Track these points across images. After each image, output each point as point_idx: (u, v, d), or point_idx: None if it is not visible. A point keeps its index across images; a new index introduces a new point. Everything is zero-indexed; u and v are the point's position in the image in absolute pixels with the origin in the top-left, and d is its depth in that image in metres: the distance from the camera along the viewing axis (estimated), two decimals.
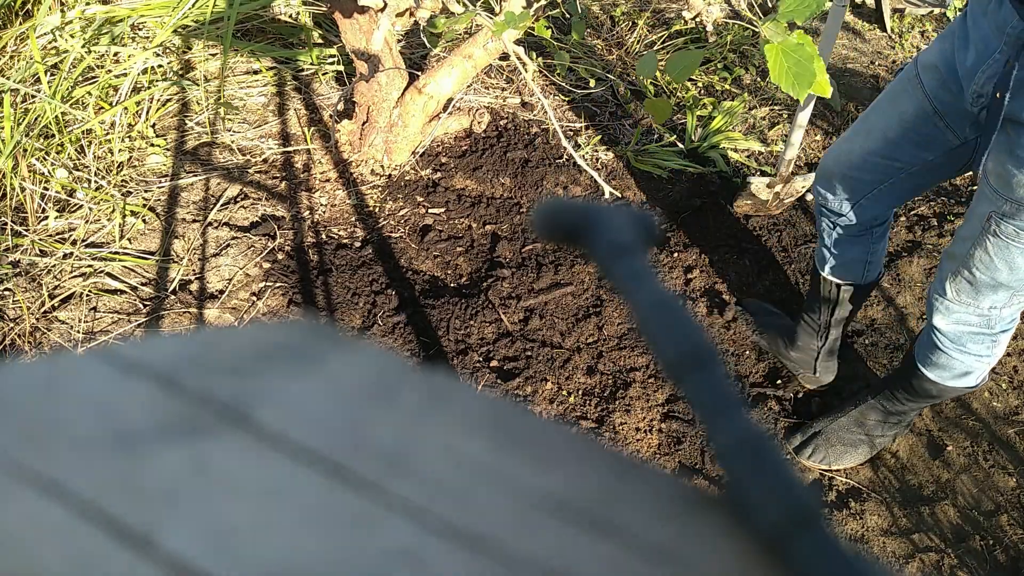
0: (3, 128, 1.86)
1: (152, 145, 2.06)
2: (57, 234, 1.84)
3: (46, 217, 1.85)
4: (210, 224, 1.91)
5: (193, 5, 2.24)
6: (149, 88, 2.16)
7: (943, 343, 1.42)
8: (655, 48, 2.66)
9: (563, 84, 2.46)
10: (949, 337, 1.41)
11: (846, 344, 1.88)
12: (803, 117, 1.91)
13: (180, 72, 2.24)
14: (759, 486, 0.19)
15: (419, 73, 2.06)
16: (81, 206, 1.89)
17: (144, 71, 2.17)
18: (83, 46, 2.08)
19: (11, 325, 1.65)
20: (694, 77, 2.59)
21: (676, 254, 2.03)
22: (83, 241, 1.82)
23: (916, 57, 1.35)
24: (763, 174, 2.26)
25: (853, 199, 1.48)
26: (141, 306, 1.73)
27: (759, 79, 2.65)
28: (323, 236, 1.93)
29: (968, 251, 1.28)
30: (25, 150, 1.88)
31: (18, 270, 1.75)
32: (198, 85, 2.20)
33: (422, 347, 1.73)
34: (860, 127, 1.44)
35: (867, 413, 1.66)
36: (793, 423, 1.75)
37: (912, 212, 2.24)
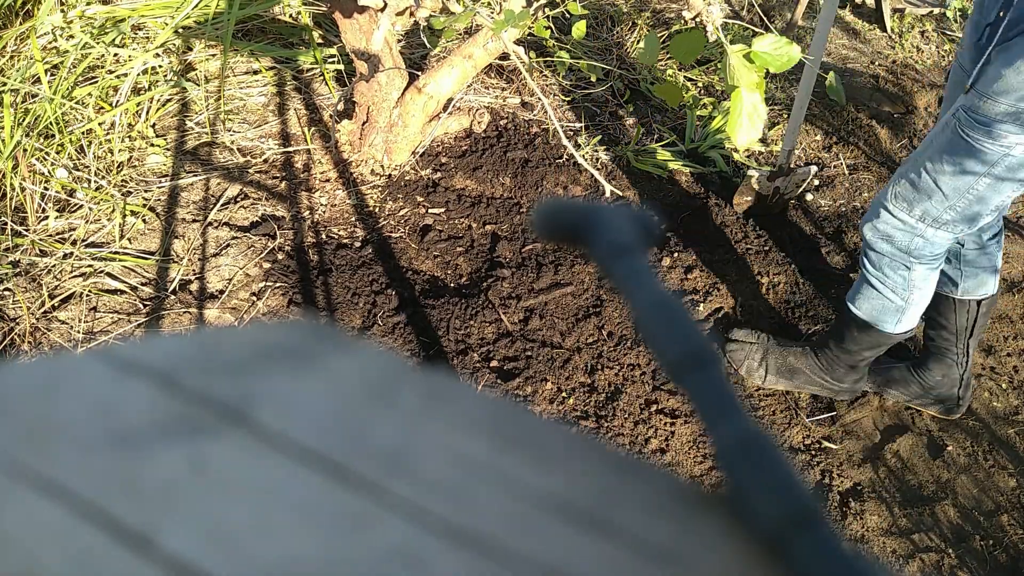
0: (3, 128, 1.86)
1: (152, 145, 2.06)
2: (57, 234, 1.84)
3: (46, 217, 1.85)
4: (210, 224, 1.91)
5: (196, 6, 2.24)
6: (150, 89, 2.16)
7: (866, 267, 1.54)
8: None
9: (563, 84, 2.46)
10: (871, 260, 1.52)
11: None
12: (802, 99, 1.91)
13: (180, 72, 2.24)
14: (759, 486, 0.19)
15: (419, 73, 2.06)
16: (81, 206, 1.89)
17: (144, 71, 2.17)
18: (83, 47, 2.08)
19: (11, 325, 1.65)
20: (694, 77, 2.59)
21: (676, 254, 2.03)
22: (83, 241, 1.82)
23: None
24: None
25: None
26: (141, 306, 1.73)
27: None
28: (323, 236, 1.93)
29: (923, 149, 1.39)
30: (25, 150, 1.88)
31: (18, 270, 1.75)
32: (198, 85, 2.20)
33: (422, 347, 1.73)
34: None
35: (801, 357, 1.76)
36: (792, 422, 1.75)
37: None
